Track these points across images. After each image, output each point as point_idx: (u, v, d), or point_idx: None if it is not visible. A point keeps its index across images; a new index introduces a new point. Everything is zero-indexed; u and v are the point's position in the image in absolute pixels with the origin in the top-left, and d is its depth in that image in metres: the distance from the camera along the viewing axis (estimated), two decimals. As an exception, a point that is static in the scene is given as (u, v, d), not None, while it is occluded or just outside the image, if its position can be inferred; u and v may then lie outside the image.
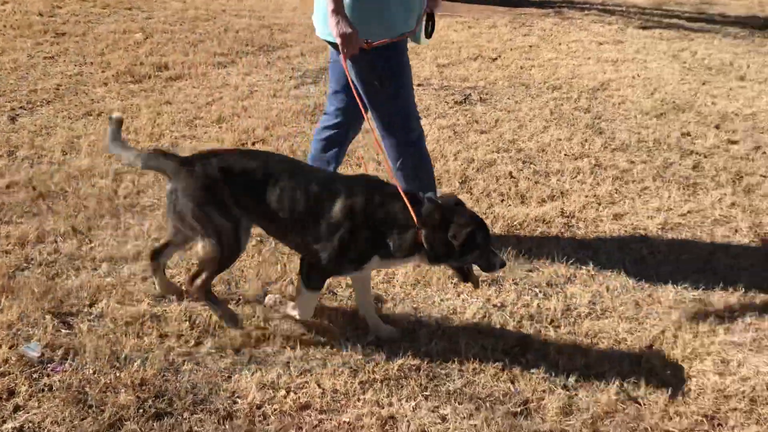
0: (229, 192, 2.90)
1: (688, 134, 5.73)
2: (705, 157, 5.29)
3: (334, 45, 3.44)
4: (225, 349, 2.95)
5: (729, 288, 3.60)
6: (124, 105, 5.61)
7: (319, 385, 2.77)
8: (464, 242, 2.81)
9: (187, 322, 3.08)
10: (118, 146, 3.07)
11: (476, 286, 3.23)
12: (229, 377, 2.80)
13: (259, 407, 2.66)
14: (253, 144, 5.05)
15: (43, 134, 4.97)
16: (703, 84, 7.13)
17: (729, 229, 4.24)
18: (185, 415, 2.59)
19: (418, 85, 6.75)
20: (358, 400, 2.72)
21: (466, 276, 3.06)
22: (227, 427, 2.56)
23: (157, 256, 3.20)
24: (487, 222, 4.18)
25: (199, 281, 3.00)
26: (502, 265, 2.98)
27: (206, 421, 2.57)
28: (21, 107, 5.47)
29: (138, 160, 3.02)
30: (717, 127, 5.91)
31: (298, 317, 3.08)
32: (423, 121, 5.76)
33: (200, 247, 2.97)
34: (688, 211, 4.42)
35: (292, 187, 2.90)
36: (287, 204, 2.90)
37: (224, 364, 2.87)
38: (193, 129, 5.27)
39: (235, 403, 2.67)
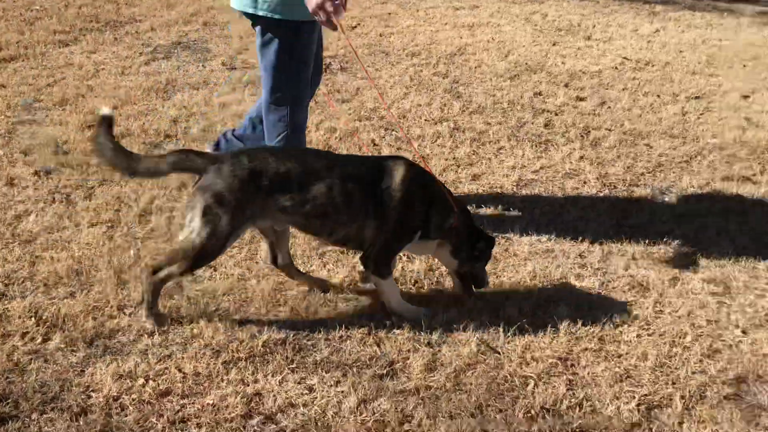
0: (257, 194, 2.82)
1: (540, 94, 5.97)
2: (555, 114, 5.53)
3: (262, 21, 3.33)
4: (76, 342, 2.78)
5: (579, 237, 3.79)
6: (-48, 90, 5.13)
7: (179, 370, 2.68)
8: (486, 248, 3.16)
9: (33, 318, 2.88)
10: (130, 158, 2.87)
11: (470, 294, 3.23)
12: (82, 371, 2.65)
13: (115, 399, 2.53)
14: (102, 125, 4.76)
15: None
16: (554, 45, 7.44)
17: (578, 181, 4.47)
18: (33, 416, 2.42)
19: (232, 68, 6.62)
20: (222, 380, 2.65)
21: (465, 281, 3.22)
22: (81, 423, 2.42)
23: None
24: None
25: (161, 274, 2.83)
26: (487, 284, 3.26)
27: (57, 419, 2.42)
28: None
29: (164, 165, 2.86)
30: (566, 85, 6.19)
31: (407, 313, 3.06)
32: (283, 93, 5.68)
33: (179, 242, 2.85)
34: (541, 167, 4.62)
35: (342, 179, 2.90)
36: (339, 197, 2.89)
37: (76, 358, 2.71)
38: (32, 113, 4.90)
39: (89, 397, 2.53)
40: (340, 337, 2.94)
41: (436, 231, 3.07)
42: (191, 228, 2.81)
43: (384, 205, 2.94)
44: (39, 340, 2.77)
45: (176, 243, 2.96)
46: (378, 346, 2.90)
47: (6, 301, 2.98)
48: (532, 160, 4.72)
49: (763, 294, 3.36)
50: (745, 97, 6.04)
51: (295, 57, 3.42)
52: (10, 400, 2.47)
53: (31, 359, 2.68)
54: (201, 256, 2.83)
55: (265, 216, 2.91)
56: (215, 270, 3.32)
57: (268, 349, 2.84)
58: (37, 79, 5.53)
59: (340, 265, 3.45)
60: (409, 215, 3.00)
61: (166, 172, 2.92)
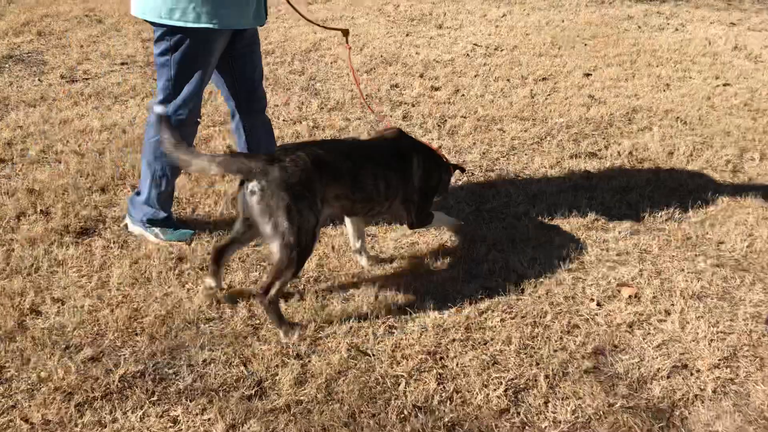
0: (321, 184, 2.94)
1: (397, 86, 6.02)
2: (412, 105, 5.59)
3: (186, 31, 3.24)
4: None
5: (439, 228, 3.84)
6: None
7: (26, 421, 2.46)
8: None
9: None
10: (187, 152, 2.92)
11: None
12: None
13: (-48, 464, 2.29)
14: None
15: None
16: (407, 35, 7.54)
17: (438, 171, 4.53)
18: None
19: (122, 63, 6.28)
20: (76, 425, 2.46)
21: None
22: None
23: (221, 255, 3.15)
24: (208, 201, 4.03)
25: (273, 291, 2.90)
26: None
27: None
28: None
29: (215, 166, 2.89)
30: (421, 76, 6.28)
31: (450, 224, 3.72)
32: (129, 103, 5.39)
33: (276, 252, 2.88)
34: (401, 160, 4.64)
35: (376, 163, 3.18)
36: (381, 180, 3.17)
37: None
38: None
39: None
40: (204, 361, 2.82)
41: (445, 186, 3.64)
42: (281, 232, 2.84)
43: (411, 181, 3.33)
44: None
45: (272, 256, 2.93)
46: (245, 365, 2.80)
47: None
48: (392, 154, 4.73)
49: (614, 266, 3.54)
50: (587, 75, 6.37)
51: (198, 64, 3.34)
52: None
53: None
54: (302, 255, 2.92)
55: (326, 205, 3.02)
56: (63, 303, 3.09)
57: (125, 384, 2.67)
58: None
59: (199, 284, 3.30)
60: (431, 185, 3.46)
61: (215, 172, 3.25)
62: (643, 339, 3.04)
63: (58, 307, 3.06)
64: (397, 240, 3.73)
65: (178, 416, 2.54)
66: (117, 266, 3.37)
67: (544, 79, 6.25)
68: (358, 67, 6.42)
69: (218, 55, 3.42)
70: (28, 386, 2.63)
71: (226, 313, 3.11)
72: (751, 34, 7.96)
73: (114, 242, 3.58)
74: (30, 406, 2.53)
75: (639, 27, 8.16)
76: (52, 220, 3.68)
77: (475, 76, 6.28)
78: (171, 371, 2.76)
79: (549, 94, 5.87)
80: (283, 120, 5.25)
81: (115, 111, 5.21)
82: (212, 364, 2.80)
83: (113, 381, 2.66)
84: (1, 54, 6.31)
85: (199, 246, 3.58)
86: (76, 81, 5.81)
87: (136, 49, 6.64)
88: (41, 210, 3.80)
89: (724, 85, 6.17)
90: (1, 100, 5.27)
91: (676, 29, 8.13)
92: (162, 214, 3.63)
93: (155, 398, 2.61)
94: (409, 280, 3.38)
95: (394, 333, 3.02)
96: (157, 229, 3.62)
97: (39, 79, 5.80)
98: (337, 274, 3.42)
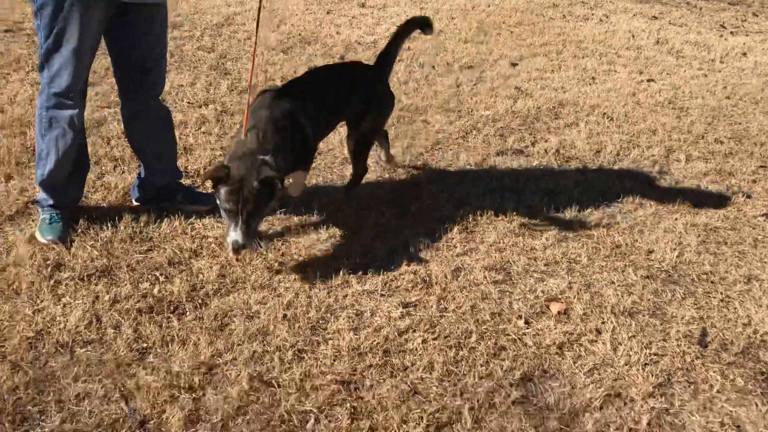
0: None
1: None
2: (331, 91, 5.20)
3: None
4: None
5: (359, 231, 3.52)
6: None
7: None
8: None
9: None
10: None
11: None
12: None
13: None
14: None
15: None
16: (328, 14, 7.13)
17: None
18: None
19: (6, 30, 5.61)
20: None
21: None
22: None
23: None
24: (104, 193, 3.55)
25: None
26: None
27: None
28: None
29: None
30: (341, 57, 5.89)
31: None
32: (11, 77, 4.78)
33: None
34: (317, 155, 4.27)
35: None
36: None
37: None
38: None
39: None
40: (77, 395, 2.39)
41: None
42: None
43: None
44: None
45: None
46: (126, 401, 2.39)
47: None
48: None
49: (542, 277, 3.31)
50: (514, 64, 6.14)
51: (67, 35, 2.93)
52: None
53: None
54: None
55: None
56: None
57: (-24, 429, 2.22)
58: None
59: (78, 298, 2.85)
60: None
61: None
62: (574, 363, 2.81)
63: None
64: (308, 246, 3.37)
65: (39, 470, 2.12)
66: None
67: (470, 67, 5.99)
68: (273, 45, 5.97)
69: (94, 28, 2.95)
70: None
71: (108, 334, 2.68)
72: (672, 28, 7.96)
73: (-20, 243, 3.07)
74: None
75: (564, 16, 8.03)
76: None
77: (399, 60, 5.94)
78: (36, 409, 2.33)
79: (475, 84, 5.61)
80: (188, 102, 4.77)
81: (-7, 86, 4.60)
82: (87, 400, 2.38)
83: (-40, 425, 2.21)
84: None
85: (81, 249, 3.12)
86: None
87: (24, 15, 5.95)
88: None
89: (648, 80, 6.08)
90: None
91: (600, 20, 8.04)
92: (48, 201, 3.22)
93: (13, 446, 2.18)
94: (322, 295, 3.03)
95: (303, 358, 2.67)
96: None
97: None
98: (241, 286, 3.04)
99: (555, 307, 3.11)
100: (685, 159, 4.65)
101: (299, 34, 6.34)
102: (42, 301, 2.80)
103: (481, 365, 2.75)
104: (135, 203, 3.56)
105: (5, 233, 3.21)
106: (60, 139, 3.13)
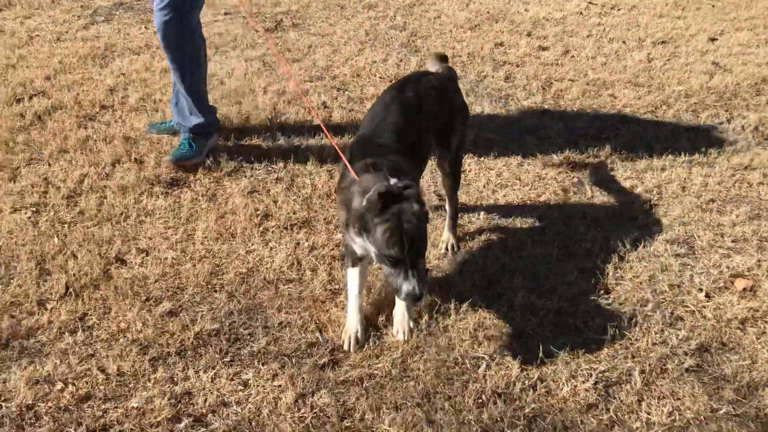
0: None
1: (501, 44, 5.70)
2: (517, 66, 5.28)
3: None
4: (-11, 345, 2.56)
5: (539, 200, 3.60)
6: None
7: (102, 371, 2.48)
8: None
9: (-58, 320, 2.65)
10: None
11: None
12: (-6, 378, 2.44)
13: (30, 408, 2.33)
14: (32, 97, 4.44)
15: None
16: (517, -9, 7.12)
17: (539, 138, 4.25)
18: (-63, 433, 2.23)
19: (226, 14, 6.27)
20: (149, 380, 2.46)
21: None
22: (-10, 438, 2.22)
23: None
24: (298, 157, 3.93)
25: None
26: None
27: (-36, 436, 2.22)
28: None
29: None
30: (529, 34, 5.92)
31: None
32: (230, 54, 5.37)
33: None
34: (500, 125, 4.39)
35: None
36: None
37: (-12, 363, 2.50)
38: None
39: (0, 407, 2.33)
40: (280, 323, 2.75)
41: None
42: None
43: None
44: (-52, 346, 2.56)
45: None
46: (320, 332, 2.71)
47: None
48: (491, 117, 4.49)
49: (728, 253, 3.20)
50: (713, 39, 5.81)
51: None
52: None
53: (-62, 368, 2.46)
54: None
55: None
56: (147, 254, 3.09)
57: (200, 342, 2.64)
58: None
59: (283, 243, 3.23)
60: None
61: None
62: (757, 339, 2.72)
63: (142, 258, 3.07)
64: (487, 208, 3.52)
65: (248, 380, 2.48)
66: (203, 220, 3.35)
67: (663, 42, 5.75)
68: (461, 23, 6.13)
69: None
70: (108, 336, 2.65)
71: (307, 275, 3.02)
72: None
73: (202, 195, 3.57)
74: (107, 356, 2.54)
75: (777, -13, 7.37)
76: (145, 169, 3.70)
77: (588, 36, 5.86)
78: (246, 332, 2.71)
79: (668, 59, 5.39)
80: (380, 77, 5.07)
81: (215, 61, 5.20)
82: (288, 328, 2.73)
83: (188, 338, 2.64)
84: (113, 1, 6.43)
85: (285, 204, 3.51)
86: (180, 30, 5.84)
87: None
88: (135, 158, 3.83)
89: None
90: (108, 47, 5.36)
91: (821, -10, 7.29)
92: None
93: (228, 359, 2.57)
94: (497, 254, 3.18)
95: (477, 311, 2.84)
96: None
97: (145, 27, 5.87)
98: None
99: (740, 283, 3.01)
100: None
101: (487, 12, 6.43)
102: (252, 244, 3.21)
103: (656, 332, 2.75)
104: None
105: (224, 186, 3.67)
106: None
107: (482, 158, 3.98)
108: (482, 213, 3.48)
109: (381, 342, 2.67)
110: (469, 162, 3.93)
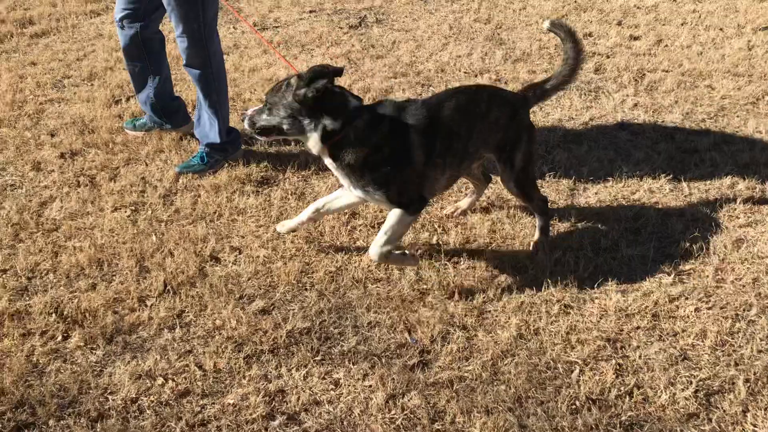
0: None
1: (591, 35, 5.54)
2: (607, 57, 5.12)
3: None
4: (96, 339, 2.69)
5: (632, 197, 3.48)
6: (-18, 72, 5.07)
7: (199, 367, 2.56)
8: None
9: (54, 315, 2.80)
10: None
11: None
12: (101, 371, 2.56)
13: (134, 401, 2.43)
14: (128, 99, 4.63)
15: None
16: (605, -22, 6.90)
17: (632, 132, 4.11)
18: (50, 422, 2.35)
19: (311, 11, 6.34)
20: (244, 377, 2.52)
21: None
22: (98, 429, 2.33)
23: None
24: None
25: None
26: None
27: (74, 426, 2.34)
28: None
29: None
30: (619, 23, 5.73)
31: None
32: (315, 52, 5.43)
33: None
34: (591, 118, 4.27)
35: None
36: None
37: (95, 357, 2.62)
38: (61, 90, 4.80)
39: (107, 400, 2.44)
40: (369, 323, 2.77)
41: None
42: None
43: None
44: (59, 338, 2.70)
45: None
46: (409, 332, 2.71)
47: (28, 296, 2.91)
48: (581, 111, 4.37)
49: (842, 255, 3.01)
50: (822, 23, 5.46)
51: None
52: (27, 407, 2.40)
53: (50, 360, 2.60)
54: None
55: None
56: (240, 252, 3.17)
57: (292, 340, 2.69)
58: (68, 53, 5.43)
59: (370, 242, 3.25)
60: None
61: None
62: None
63: (236, 256, 3.15)
64: (579, 208, 3.43)
65: (340, 379, 2.51)
66: (293, 218, 3.40)
67: (765, 28, 5.45)
68: (548, 14, 5.99)
69: None
70: (204, 333, 2.73)
71: (394, 274, 3.03)
72: None
73: (292, 193, 3.62)
74: (204, 352, 2.62)
75: None
76: (236, 169, 3.79)
77: (682, 24, 5.62)
78: (336, 331, 2.74)
79: (771, 46, 5.10)
80: (464, 72, 5.02)
81: (301, 60, 5.27)
82: (377, 328, 2.74)
83: (281, 336, 2.69)
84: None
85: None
86: (267, 29, 5.96)
87: (324, -3, 6.67)
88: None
89: None
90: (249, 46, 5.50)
91: None
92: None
93: (319, 357, 2.61)
94: (589, 255, 3.09)
95: (569, 314, 2.77)
96: None
97: (234, 27, 6.02)
98: (510, 242, 3.21)
99: None
100: None
101: (574, 1, 6.26)
102: (341, 243, 3.25)
103: (761, 339, 2.62)
104: None
105: (312, 185, 3.72)
106: None
107: (572, 154, 3.88)
108: (573, 211, 3.39)
109: (470, 344, 2.65)
110: (558, 158, 3.83)
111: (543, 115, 4.33)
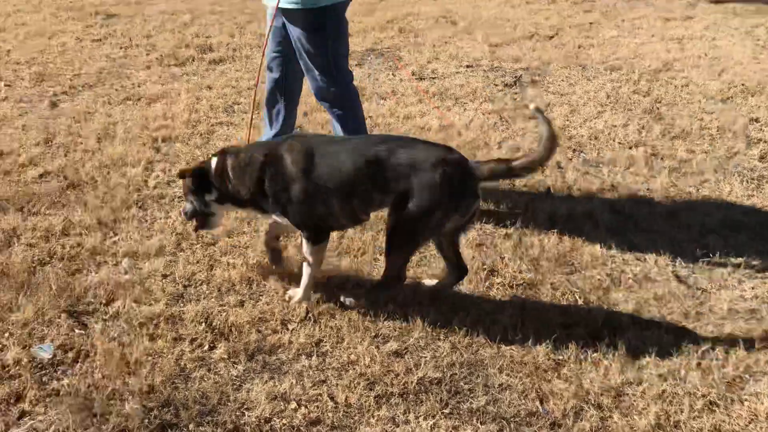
0: None
1: (757, 120, 5.30)
2: (774, 146, 4.87)
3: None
4: (238, 354, 2.83)
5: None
6: (164, 90, 5.55)
7: (332, 399, 2.63)
8: None
9: (203, 324, 2.98)
10: None
11: None
12: (240, 386, 2.69)
13: (267, 421, 2.53)
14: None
15: (81, 120, 4.95)
16: (780, 63, 6.61)
17: (797, 228, 3.87)
18: (191, 426, 2.49)
19: (468, 66, 6.48)
20: (372, 416, 2.56)
21: None
22: (233, 441, 2.45)
23: None
24: (527, 216, 3.93)
25: None
26: None
27: (212, 434, 2.46)
28: (63, 92, 5.50)
29: None
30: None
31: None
32: (469, 106, 5.53)
33: None
34: (753, 208, 4.06)
35: None
36: None
37: (236, 371, 2.76)
38: (231, 115, 5.16)
39: (243, 414, 2.55)
40: (500, 384, 2.74)
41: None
42: None
43: None
44: (206, 347, 2.86)
45: None
46: (541, 402, 2.66)
47: (183, 303, 3.12)
48: (742, 199, 4.17)
49: None
50: None
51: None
52: (171, 407, 2.56)
53: (196, 366, 2.76)
54: None
55: None
56: (379, 293, 3.25)
57: (422, 388, 2.71)
58: (240, 81, 5.84)
59: (506, 302, 3.23)
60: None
61: None
62: None
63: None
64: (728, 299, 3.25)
65: (466, 436, 2.50)
66: (431, 265, 3.45)
67: None
68: (712, 94, 5.79)
69: None
70: (339, 365, 2.81)
71: (530, 339, 2.99)
72: None
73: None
74: (337, 384, 2.69)
75: None
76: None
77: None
78: (467, 387, 2.74)
79: None
80: (619, 143, 4.94)
81: (454, 112, 5.39)
82: (508, 391, 2.71)
83: (411, 381, 2.72)
84: (366, 47, 6.93)
85: (512, 262, 3.51)
86: (424, 79, 6.14)
87: (483, 53, 6.80)
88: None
89: None
90: (359, 91, 5.75)
91: None
92: None
93: (448, 411, 2.61)
94: (741, 352, 2.92)
95: (714, 411, 2.62)
96: None
97: (393, 74, 6.25)
98: (661, 315, 3.09)
99: None
100: None
101: (742, 84, 6.01)
102: (479, 298, 3.25)
103: None
104: None
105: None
106: None
107: (728, 243, 3.69)
108: (725, 305, 3.22)
109: (604, 424, 2.56)
110: (713, 244, 3.66)
111: (700, 198, 4.17)
